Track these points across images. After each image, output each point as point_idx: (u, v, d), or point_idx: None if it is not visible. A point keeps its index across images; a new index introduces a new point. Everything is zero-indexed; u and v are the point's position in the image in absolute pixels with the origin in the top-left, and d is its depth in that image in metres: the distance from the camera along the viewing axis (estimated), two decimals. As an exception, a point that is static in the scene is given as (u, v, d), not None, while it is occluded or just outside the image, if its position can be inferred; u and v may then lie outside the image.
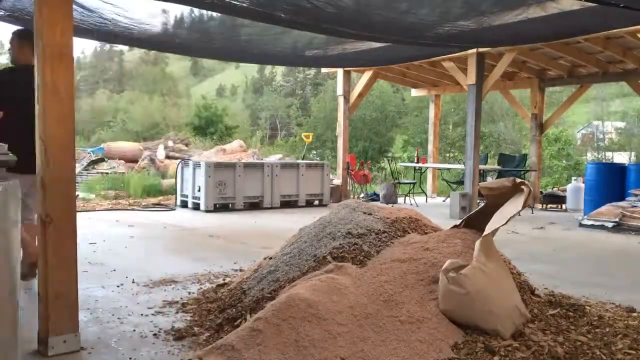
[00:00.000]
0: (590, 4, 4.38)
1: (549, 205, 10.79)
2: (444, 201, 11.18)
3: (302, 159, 12.80)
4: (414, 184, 11.91)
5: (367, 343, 2.52)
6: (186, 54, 8.72)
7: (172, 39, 6.10)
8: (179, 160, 10.88)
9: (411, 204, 10.69)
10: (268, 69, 60.52)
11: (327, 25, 5.11)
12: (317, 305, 2.59)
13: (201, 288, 4.10)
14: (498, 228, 2.88)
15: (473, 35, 5.76)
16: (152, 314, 3.43)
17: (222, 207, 9.04)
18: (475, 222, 3.36)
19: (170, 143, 17.30)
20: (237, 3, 4.28)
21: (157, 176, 14.14)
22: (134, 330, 3.12)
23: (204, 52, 7.67)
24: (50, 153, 2.73)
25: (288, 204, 9.75)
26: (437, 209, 9.66)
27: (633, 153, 24.84)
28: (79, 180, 12.59)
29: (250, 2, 4.32)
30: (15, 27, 4.69)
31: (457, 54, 8.45)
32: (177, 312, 3.47)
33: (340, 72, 11.25)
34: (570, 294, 3.95)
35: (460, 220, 3.48)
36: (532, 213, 9.84)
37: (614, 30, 7.15)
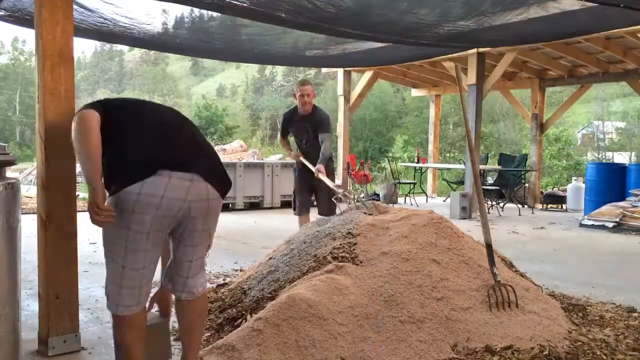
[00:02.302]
0: (590, 4, 4.38)
1: (549, 205, 10.78)
2: (444, 201, 11.17)
3: (303, 159, 12.77)
4: (414, 184, 11.91)
5: (368, 343, 2.52)
6: (186, 54, 8.71)
7: (172, 39, 6.10)
8: (179, 160, 10.86)
9: (411, 204, 10.68)
10: (268, 69, 60.49)
11: (328, 25, 5.11)
12: (318, 305, 2.59)
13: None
14: None
15: (473, 35, 5.76)
16: (153, 314, 3.42)
17: (222, 207, 9.02)
18: None
19: (170, 143, 17.25)
20: (238, 3, 4.28)
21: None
22: (134, 330, 3.11)
23: (204, 52, 7.67)
24: (51, 153, 2.73)
25: (288, 203, 9.70)
26: (438, 209, 9.63)
27: (633, 153, 24.84)
28: (79, 180, 12.58)
29: (251, 2, 4.31)
30: (14, 27, 4.70)
31: (457, 54, 8.45)
32: (177, 312, 3.46)
33: (340, 72, 11.25)
34: (570, 294, 3.95)
35: None
36: (533, 213, 9.83)
37: (614, 30, 7.15)
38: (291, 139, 5.38)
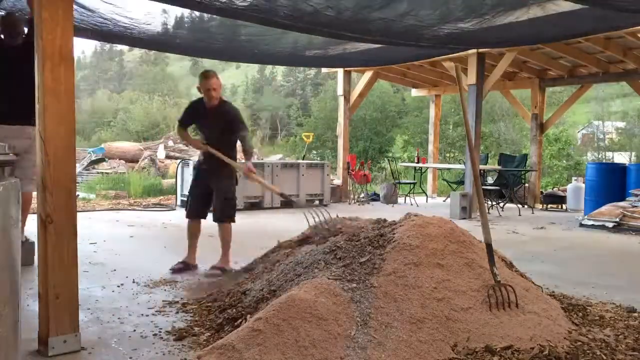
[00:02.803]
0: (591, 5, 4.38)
1: (549, 205, 10.78)
2: (444, 201, 11.17)
3: (303, 159, 12.80)
4: (414, 184, 11.91)
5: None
6: (186, 53, 8.72)
7: (172, 39, 6.10)
8: (179, 160, 10.88)
9: (411, 204, 10.68)
10: (268, 69, 60.48)
11: (327, 29, 5.10)
12: (318, 305, 2.59)
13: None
14: None
15: (473, 36, 5.76)
16: (153, 314, 3.42)
17: (222, 207, 9.02)
18: None
19: (170, 143, 17.30)
20: (237, 6, 4.27)
21: (157, 176, 14.15)
22: (134, 330, 3.12)
23: (204, 52, 7.68)
24: (51, 153, 2.73)
25: (288, 203, 9.73)
26: (438, 209, 9.65)
27: (633, 153, 24.81)
28: (79, 180, 12.59)
29: (250, 6, 4.31)
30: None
31: (457, 54, 8.45)
32: (177, 312, 3.46)
33: (340, 72, 11.25)
34: (571, 294, 3.96)
35: None
36: (533, 213, 9.83)
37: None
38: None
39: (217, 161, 4.52)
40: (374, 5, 4.62)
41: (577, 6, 4.61)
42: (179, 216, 8.42)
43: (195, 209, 4.73)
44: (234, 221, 4.82)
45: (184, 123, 4.81)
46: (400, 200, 11.24)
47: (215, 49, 6.84)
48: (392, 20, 4.94)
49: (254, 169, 4.53)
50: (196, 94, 4.83)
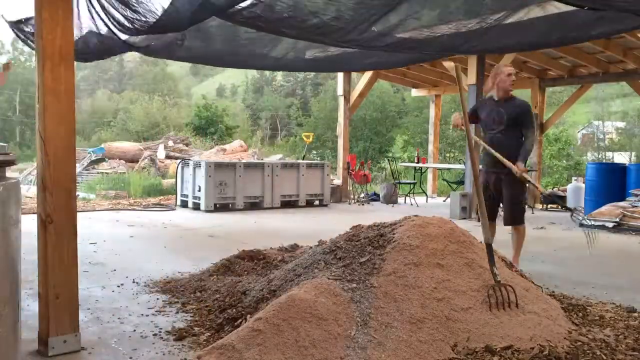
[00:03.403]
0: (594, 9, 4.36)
1: (549, 206, 10.78)
2: (444, 201, 11.17)
3: (303, 159, 12.80)
4: (414, 184, 11.91)
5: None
6: (186, 60, 8.69)
7: (173, 39, 6.09)
8: (179, 160, 10.88)
9: (411, 204, 10.68)
10: (268, 69, 60.46)
11: (329, 40, 5.08)
12: (318, 305, 2.59)
13: (201, 288, 4.09)
14: None
15: (475, 42, 5.73)
16: (153, 314, 3.42)
17: (222, 207, 9.04)
18: None
19: (170, 143, 17.33)
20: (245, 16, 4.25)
21: (157, 176, 14.16)
22: (134, 330, 3.12)
23: (205, 59, 7.65)
24: (51, 153, 2.73)
25: (288, 203, 9.75)
26: (438, 209, 9.66)
27: (633, 153, 24.84)
28: (79, 180, 12.59)
29: (254, 16, 4.29)
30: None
31: (457, 55, 8.45)
32: (177, 312, 3.47)
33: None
34: (571, 294, 3.95)
35: None
36: (533, 213, 9.83)
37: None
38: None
39: (504, 166, 4.46)
40: (374, 14, 4.58)
41: (574, 14, 4.59)
42: (179, 216, 8.44)
43: (489, 212, 4.29)
44: (523, 223, 4.81)
45: (470, 115, 4.66)
46: (400, 200, 11.24)
47: (216, 50, 6.83)
48: (391, 28, 4.91)
49: (523, 169, 4.42)
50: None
